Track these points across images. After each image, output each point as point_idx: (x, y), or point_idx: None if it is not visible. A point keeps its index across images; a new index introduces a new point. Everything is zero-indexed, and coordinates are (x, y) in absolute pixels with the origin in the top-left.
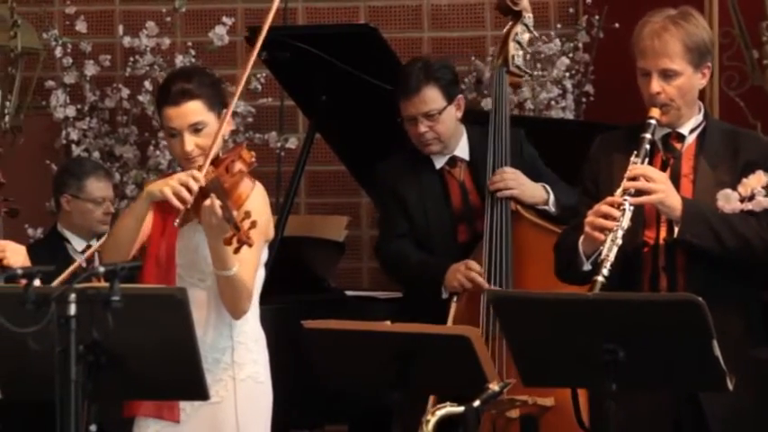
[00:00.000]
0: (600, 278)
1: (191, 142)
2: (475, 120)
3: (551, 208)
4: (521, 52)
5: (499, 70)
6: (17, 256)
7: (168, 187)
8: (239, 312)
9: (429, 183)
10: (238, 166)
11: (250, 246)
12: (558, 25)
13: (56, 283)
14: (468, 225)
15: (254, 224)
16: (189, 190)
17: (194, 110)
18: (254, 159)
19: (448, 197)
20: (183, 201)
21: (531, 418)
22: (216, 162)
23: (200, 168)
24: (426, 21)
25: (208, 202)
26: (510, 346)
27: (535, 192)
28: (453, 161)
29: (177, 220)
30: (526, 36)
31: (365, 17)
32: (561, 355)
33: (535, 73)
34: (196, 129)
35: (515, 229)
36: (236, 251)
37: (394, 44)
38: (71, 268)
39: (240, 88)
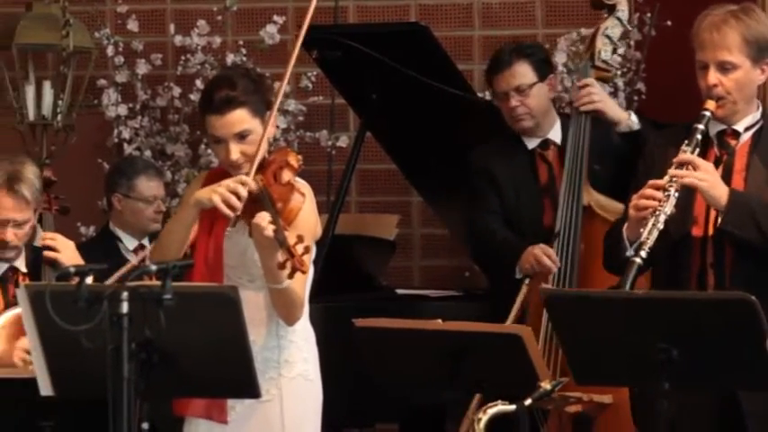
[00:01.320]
0: (637, 259)
1: (236, 151)
2: None
3: (634, 121)
4: (609, 47)
5: (585, 64)
6: (67, 250)
7: (217, 195)
8: (293, 321)
9: (519, 162)
10: (287, 175)
11: (304, 272)
12: None
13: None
14: (552, 209)
15: (307, 249)
16: (238, 197)
17: (239, 119)
18: (301, 163)
19: (536, 177)
20: (232, 208)
21: (584, 417)
22: (262, 165)
23: (247, 174)
24: (477, 19)
25: (257, 220)
26: (562, 344)
27: (618, 109)
28: (546, 144)
29: (228, 228)
30: (618, 30)
31: (416, 15)
32: (614, 354)
33: None
34: (241, 136)
35: (586, 225)
36: (290, 276)
37: (445, 42)
38: (124, 269)
39: (281, 92)
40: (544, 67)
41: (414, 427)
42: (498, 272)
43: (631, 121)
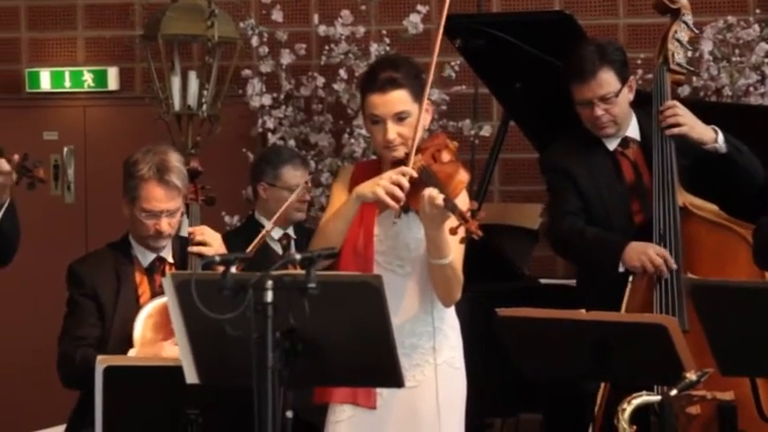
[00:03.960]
0: None
1: (393, 131)
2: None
3: (721, 145)
4: (681, 50)
5: (660, 68)
6: (214, 243)
7: (380, 188)
8: (451, 301)
9: (600, 163)
10: (446, 156)
11: (479, 235)
12: (757, 11)
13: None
14: (642, 204)
15: (479, 215)
16: (401, 188)
17: (400, 99)
18: (457, 148)
19: (620, 175)
20: (397, 200)
21: (729, 407)
22: (419, 150)
23: (406, 157)
24: (622, 7)
25: (428, 192)
26: (707, 335)
27: (704, 131)
28: (626, 142)
29: (394, 220)
30: (685, 34)
31: (560, 4)
32: (760, 345)
33: (733, 59)
34: (400, 118)
35: (684, 226)
36: (462, 241)
37: (589, 31)
38: (258, 238)
39: (429, 82)
40: (625, 71)
41: (558, 417)
42: (591, 269)
43: (718, 144)
